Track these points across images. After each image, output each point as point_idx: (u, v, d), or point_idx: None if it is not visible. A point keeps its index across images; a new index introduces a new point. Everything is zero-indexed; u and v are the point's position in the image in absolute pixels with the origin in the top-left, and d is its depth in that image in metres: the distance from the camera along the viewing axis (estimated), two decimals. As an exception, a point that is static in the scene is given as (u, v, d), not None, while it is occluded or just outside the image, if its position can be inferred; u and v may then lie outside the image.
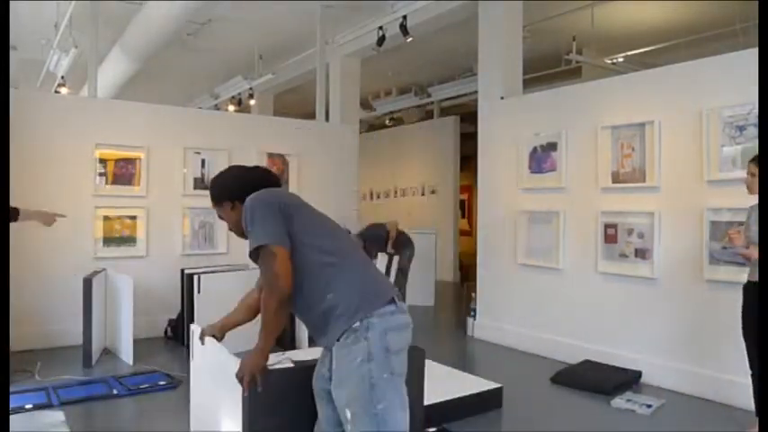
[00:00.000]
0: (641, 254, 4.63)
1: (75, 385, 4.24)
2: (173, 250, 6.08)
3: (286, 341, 4.93)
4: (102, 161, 5.75)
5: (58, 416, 3.59)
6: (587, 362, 4.84)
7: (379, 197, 12.87)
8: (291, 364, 2.60)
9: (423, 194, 11.70)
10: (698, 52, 5.22)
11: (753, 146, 3.93)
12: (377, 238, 6.69)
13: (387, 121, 13.13)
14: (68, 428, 3.42)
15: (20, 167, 5.18)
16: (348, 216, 7.33)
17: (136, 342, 4.92)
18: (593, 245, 4.98)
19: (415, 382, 2.35)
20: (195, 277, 5.04)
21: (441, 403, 3.53)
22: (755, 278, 3.28)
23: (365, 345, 1.93)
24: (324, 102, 7.92)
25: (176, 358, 5.10)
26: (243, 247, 4.95)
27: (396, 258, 6.72)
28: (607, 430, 3.69)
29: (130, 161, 5.91)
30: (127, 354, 4.93)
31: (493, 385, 4.01)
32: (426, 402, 2.84)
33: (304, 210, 2.18)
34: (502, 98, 5.96)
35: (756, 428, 3.48)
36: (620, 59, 7.88)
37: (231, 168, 2.47)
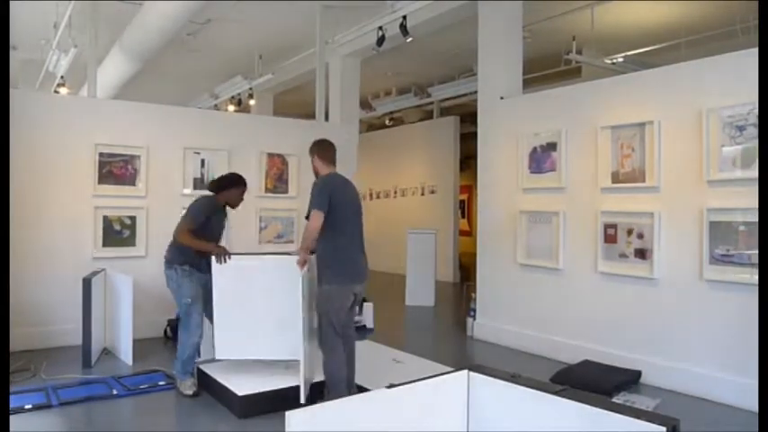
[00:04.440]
0: (641, 254, 4.63)
1: (74, 385, 4.24)
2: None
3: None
4: (102, 161, 5.75)
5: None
6: (587, 362, 4.84)
7: (379, 197, 12.88)
8: None
9: (423, 194, 11.70)
10: (698, 52, 5.22)
11: (753, 146, 3.94)
12: None
13: (387, 121, 13.14)
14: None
15: (20, 167, 5.18)
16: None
17: (135, 342, 4.92)
18: (592, 245, 4.98)
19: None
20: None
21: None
22: None
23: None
24: (324, 102, 7.92)
25: (176, 358, 5.10)
26: (242, 247, 4.89)
27: None
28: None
29: (130, 161, 5.90)
30: (126, 354, 4.93)
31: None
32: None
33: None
34: (502, 98, 5.96)
35: None
36: (620, 59, 7.88)
37: None
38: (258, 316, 4.18)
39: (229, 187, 4.41)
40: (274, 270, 4.14)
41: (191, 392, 4.11)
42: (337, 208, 3.63)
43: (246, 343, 4.18)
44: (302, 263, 3.60)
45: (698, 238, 4.24)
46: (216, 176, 4.61)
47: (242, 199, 4.51)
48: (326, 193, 3.61)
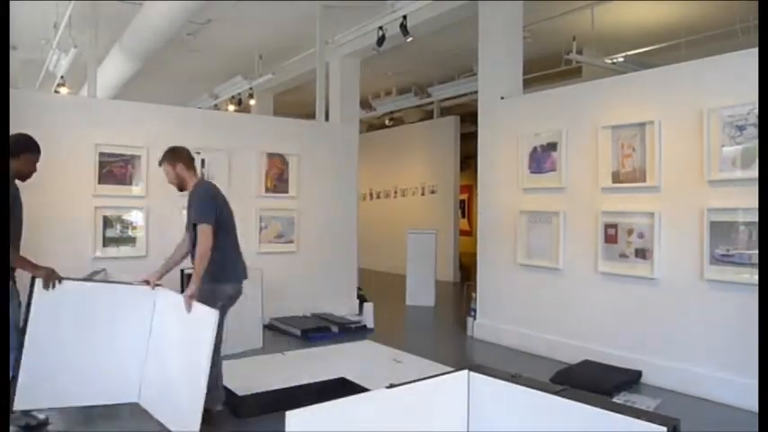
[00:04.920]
0: (641, 254, 4.63)
1: (74, 385, 4.22)
2: (172, 250, 6.06)
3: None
4: (102, 161, 5.75)
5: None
6: (587, 362, 4.84)
7: (379, 197, 12.88)
8: None
9: (423, 194, 11.70)
10: (698, 52, 5.22)
11: (753, 146, 3.94)
12: None
13: (387, 121, 13.14)
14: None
15: (20, 167, 5.17)
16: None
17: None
18: (593, 245, 4.98)
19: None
20: (195, 277, 4.98)
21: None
22: None
23: None
24: (324, 102, 7.91)
25: (176, 358, 5.09)
26: (245, 247, 4.90)
27: None
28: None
29: (130, 161, 5.90)
30: (126, 354, 4.89)
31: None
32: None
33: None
34: (502, 98, 5.96)
35: None
36: (620, 59, 7.88)
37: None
38: (86, 354, 3.45)
39: (26, 152, 3.44)
40: (116, 301, 3.56)
41: None
42: (226, 213, 3.63)
43: (64, 386, 3.41)
44: (192, 297, 3.28)
45: (698, 238, 4.24)
46: None
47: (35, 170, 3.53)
48: (215, 204, 3.53)
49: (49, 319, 3.29)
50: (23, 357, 3.20)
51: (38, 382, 3.29)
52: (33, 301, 3.22)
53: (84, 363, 3.47)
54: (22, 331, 3.21)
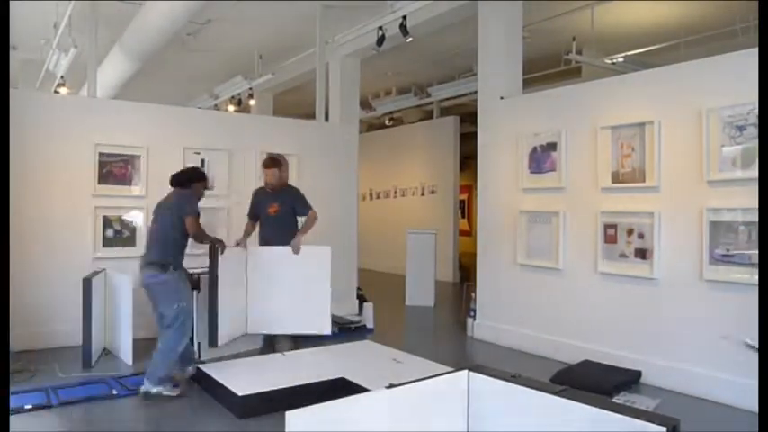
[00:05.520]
0: (641, 254, 4.63)
1: (74, 385, 4.24)
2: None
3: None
4: (102, 161, 5.75)
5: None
6: (587, 362, 4.84)
7: (379, 197, 12.87)
8: None
9: (423, 194, 11.70)
10: (698, 52, 5.22)
11: (753, 146, 3.94)
12: None
13: (387, 121, 13.13)
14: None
15: (19, 168, 5.18)
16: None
17: (135, 342, 4.91)
18: (592, 245, 4.98)
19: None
20: (194, 277, 5.02)
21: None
22: None
23: None
24: (324, 102, 7.91)
25: (176, 358, 5.09)
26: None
27: None
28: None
29: (130, 161, 5.90)
30: (126, 354, 4.93)
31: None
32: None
33: None
34: (502, 98, 5.96)
35: None
36: (620, 59, 7.87)
37: None
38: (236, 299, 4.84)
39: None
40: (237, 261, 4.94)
41: (178, 392, 4.09)
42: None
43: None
44: (299, 244, 4.88)
45: (698, 238, 4.24)
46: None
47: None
48: None
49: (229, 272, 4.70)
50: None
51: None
52: (219, 264, 4.53)
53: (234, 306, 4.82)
54: (214, 285, 4.52)
